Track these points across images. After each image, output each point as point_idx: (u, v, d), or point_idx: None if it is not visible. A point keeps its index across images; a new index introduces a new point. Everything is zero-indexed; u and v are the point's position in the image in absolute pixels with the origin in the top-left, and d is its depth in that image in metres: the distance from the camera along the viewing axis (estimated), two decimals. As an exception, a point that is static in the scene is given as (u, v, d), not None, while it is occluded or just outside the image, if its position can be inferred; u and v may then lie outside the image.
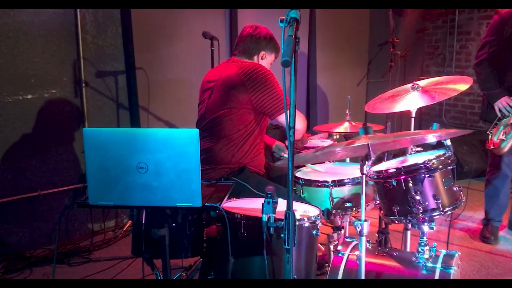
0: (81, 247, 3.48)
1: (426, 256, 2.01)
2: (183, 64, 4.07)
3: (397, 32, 5.28)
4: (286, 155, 2.74)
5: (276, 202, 1.69)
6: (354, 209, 2.42)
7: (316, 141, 3.29)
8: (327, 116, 5.30)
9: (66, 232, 3.62)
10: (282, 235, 1.57)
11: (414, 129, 2.61)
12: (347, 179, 2.41)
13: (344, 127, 3.07)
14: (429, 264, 1.98)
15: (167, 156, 1.72)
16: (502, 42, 3.17)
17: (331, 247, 2.48)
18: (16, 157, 3.34)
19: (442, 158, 2.09)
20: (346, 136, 3.16)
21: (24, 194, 3.38)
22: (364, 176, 1.92)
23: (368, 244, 2.09)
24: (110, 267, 3.13)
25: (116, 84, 3.75)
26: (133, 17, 3.69)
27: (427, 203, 2.04)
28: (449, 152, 2.15)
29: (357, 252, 1.97)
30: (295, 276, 1.90)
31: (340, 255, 2.11)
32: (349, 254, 2.10)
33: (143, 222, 1.98)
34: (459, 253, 2.08)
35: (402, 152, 2.51)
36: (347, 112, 3.11)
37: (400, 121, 4.89)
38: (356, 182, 2.41)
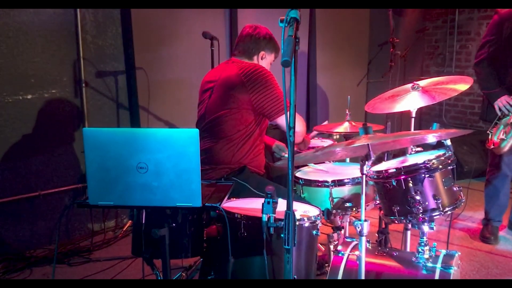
0: (81, 247, 3.48)
1: (426, 256, 2.01)
2: (183, 64, 4.07)
3: (397, 32, 5.28)
4: (286, 155, 2.74)
5: (276, 202, 1.69)
6: (354, 209, 2.42)
7: (316, 141, 3.29)
8: (327, 116, 5.30)
9: (66, 232, 3.62)
10: (282, 235, 1.57)
11: (414, 129, 2.61)
12: (347, 179, 2.41)
13: (344, 127, 3.06)
14: (429, 264, 1.98)
15: (167, 156, 1.72)
16: (501, 41, 3.18)
17: (331, 247, 2.48)
18: (16, 157, 3.34)
19: (442, 158, 2.09)
20: (346, 136, 3.16)
21: (24, 194, 3.38)
22: (364, 176, 1.92)
23: (368, 244, 2.09)
24: (110, 267, 3.13)
25: (116, 84, 3.75)
26: (133, 17, 3.69)
27: (427, 203, 2.04)
28: (449, 152, 2.15)
29: (357, 252, 1.97)
30: (295, 276, 1.90)
31: (340, 255, 2.11)
32: (349, 254, 2.10)
33: (143, 222, 1.98)
34: (459, 253, 2.08)
35: (402, 152, 2.51)
36: (347, 112, 3.11)
37: (400, 121, 4.89)
38: (356, 182, 2.41)
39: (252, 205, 2.10)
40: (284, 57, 1.38)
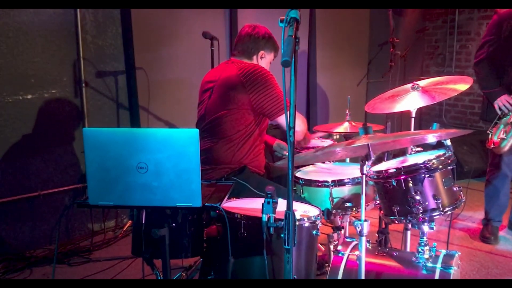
0: (81, 247, 3.48)
1: (426, 256, 2.01)
2: (183, 64, 4.07)
3: (397, 32, 5.28)
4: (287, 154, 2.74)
5: (276, 202, 1.69)
6: (354, 209, 2.42)
7: (316, 141, 3.29)
8: (327, 116, 5.30)
9: (66, 232, 3.62)
10: (282, 235, 1.57)
11: (414, 129, 2.61)
12: (347, 179, 2.42)
13: (344, 127, 3.06)
14: (429, 264, 1.98)
15: (167, 156, 1.72)
16: (500, 41, 3.19)
17: (331, 247, 2.48)
18: (16, 157, 3.34)
19: (442, 158, 2.09)
20: (346, 136, 3.16)
21: (24, 194, 3.38)
22: (364, 176, 1.92)
23: (368, 244, 2.09)
24: (110, 267, 3.13)
25: (116, 84, 3.75)
26: (133, 17, 3.69)
27: (427, 203, 2.04)
28: (449, 152, 2.15)
29: (357, 252, 1.97)
30: (295, 276, 1.90)
31: (340, 255, 2.11)
32: (349, 254, 2.10)
33: (143, 222, 1.98)
34: (459, 253, 2.08)
35: (402, 152, 2.51)
36: (347, 112, 3.11)
37: (400, 121, 4.89)
38: (356, 182, 2.41)
39: (252, 205, 2.10)
40: (284, 57, 1.38)
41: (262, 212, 1.69)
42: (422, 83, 2.52)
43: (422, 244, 2.02)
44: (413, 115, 2.55)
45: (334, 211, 2.40)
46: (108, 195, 1.78)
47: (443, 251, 2.05)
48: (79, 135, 3.59)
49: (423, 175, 2.04)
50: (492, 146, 3.17)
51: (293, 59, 1.43)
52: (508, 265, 3.10)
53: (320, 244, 2.81)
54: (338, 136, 3.32)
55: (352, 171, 2.59)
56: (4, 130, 3.27)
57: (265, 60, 2.67)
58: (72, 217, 3.64)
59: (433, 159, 2.06)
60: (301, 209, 2.10)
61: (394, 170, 2.08)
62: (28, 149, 3.39)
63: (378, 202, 2.37)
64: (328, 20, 5.06)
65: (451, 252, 2.06)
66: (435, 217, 2.05)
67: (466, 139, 5.02)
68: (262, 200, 1.70)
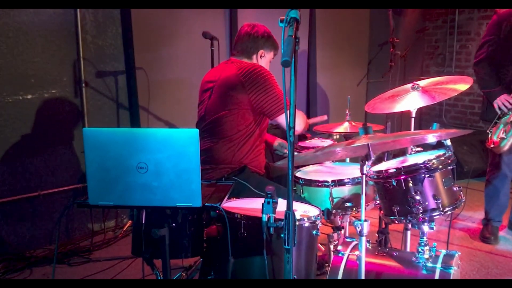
0: (81, 247, 3.48)
1: (426, 256, 2.01)
2: (183, 64, 4.07)
3: (397, 32, 5.28)
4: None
5: (276, 202, 1.69)
6: (354, 209, 2.42)
7: (316, 141, 3.29)
8: (327, 116, 5.29)
9: (66, 232, 3.62)
10: (282, 235, 1.57)
11: (414, 129, 2.61)
12: (347, 179, 2.42)
13: (344, 127, 3.06)
14: (429, 264, 1.98)
15: (167, 156, 1.72)
16: (500, 41, 3.20)
17: (331, 247, 2.48)
18: (16, 157, 3.34)
19: (442, 158, 2.09)
20: (346, 136, 3.16)
21: (24, 194, 3.38)
22: (364, 176, 1.92)
23: (368, 244, 2.09)
24: (110, 267, 3.13)
25: (116, 84, 3.75)
26: (133, 17, 3.69)
27: (427, 203, 2.04)
28: (449, 152, 2.15)
29: (357, 252, 1.97)
30: (295, 276, 1.90)
31: (340, 255, 2.11)
32: (349, 254, 2.10)
33: (143, 222, 1.98)
34: (459, 253, 2.08)
35: (402, 152, 2.51)
36: (347, 112, 3.11)
37: (400, 121, 4.89)
38: (356, 182, 2.41)
39: (252, 205, 2.10)
40: (284, 57, 1.38)
41: (262, 212, 1.69)
42: (422, 83, 2.52)
43: (422, 244, 2.02)
44: (413, 115, 2.55)
45: (334, 211, 2.40)
46: (108, 195, 1.78)
47: (443, 251, 2.05)
48: (79, 135, 3.59)
49: (423, 175, 2.04)
50: (492, 145, 3.17)
51: (293, 59, 1.43)
52: (508, 265, 3.10)
53: (320, 244, 2.81)
54: (338, 136, 3.32)
55: (352, 171, 2.59)
56: (4, 130, 3.27)
57: (264, 59, 2.67)
58: (72, 217, 3.64)
59: (433, 159, 2.06)
60: (301, 209, 2.10)
61: (394, 170, 2.08)
62: (28, 149, 3.39)
63: (378, 202, 2.37)
64: (328, 20, 5.06)
65: (451, 252, 2.06)
66: (435, 217, 2.05)
67: (466, 139, 5.02)
68: (262, 200, 1.70)
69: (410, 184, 2.05)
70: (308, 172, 2.67)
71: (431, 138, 2.15)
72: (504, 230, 3.62)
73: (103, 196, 1.79)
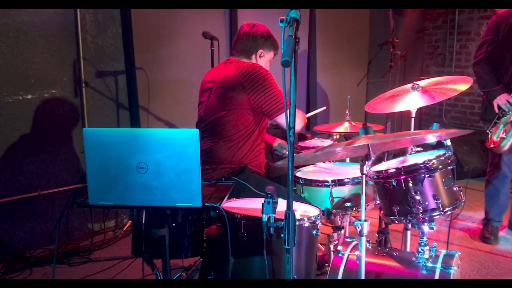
0: (81, 247, 3.48)
1: (426, 256, 2.01)
2: (183, 64, 4.07)
3: (397, 32, 5.28)
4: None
5: (276, 202, 1.69)
6: (354, 209, 2.42)
7: (316, 141, 3.29)
8: (327, 116, 5.30)
9: (66, 232, 3.62)
10: (282, 235, 1.57)
11: (414, 129, 2.61)
12: (347, 178, 2.42)
13: (344, 127, 3.07)
14: (429, 264, 1.98)
15: (167, 156, 1.72)
16: (499, 41, 3.20)
17: (331, 247, 2.48)
18: (16, 157, 3.34)
19: (442, 158, 2.09)
20: (346, 136, 3.16)
21: (24, 194, 3.38)
22: (364, 176, 1.92)
23: (368, 244, 2.09)
24: (110, 267, 3.13)
25: (116, 84, 3.75)
26: (133, 17, 3.69)
27: (427, 203, 2.04)
28: (449, 152, 2.15)
29: (357, 252, 1.97)
30: (295, 276, 1.90)
31: (340, 255, 2.11)
32: (349, 254, 2.10)
33: (143, 222, 1.98)
34: (459, 253, 2.08)
35: (402, 152, 2.51)
36: (347, 112, 3.11)
37: (400, 121, 4.89)
38: (356, 182, 2.41)
39: (252, 205, 2.10)
40: (284, 57, 1.38)
41: (262, 212, 1.69)
42: (422, 83, 2.52)
43: (422, 244, 2.02)
44: (413, 115, 2.55)
45: (334, 211, 2.40)
46: (108, 195, 1.78)
47: (443, 251, 2.05)
48: (79, 135, 3.59)
49: (423, 175, 2.04)
50: (492, 145, 3.17)
51: (293, 59, 1.43)
52: (508, 265, 3.10)
53: (320, 244, 2.81)
54: (338, 136, 3.32)
55: (352, 171, 2.59)
56: (4, 130, 3.27)
57: (264, 59, 2.66)
58: (72, 217, 3.64)
59: (433, 159, 2.06)
60: (301, 209, 2.10)
61: (394, 170, 2.08)
62: (28, 149, 3.39)
63: (378, 202, 2.37)
64: (328, 20, 5.06)
65: (451, 252, 2.06)
66: (435, 217, 2.05)
67: (466, 139, 5.02)
68: (262, 200, 1.70)
69: (410, 184, 2.05)
70: (308, 172, 2.67)
71: (431, 138, 2.15)
72: (504, 230, 3.62)
73: (103, 196, 1.79)
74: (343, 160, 2.89)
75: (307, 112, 5.02)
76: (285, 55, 1.39)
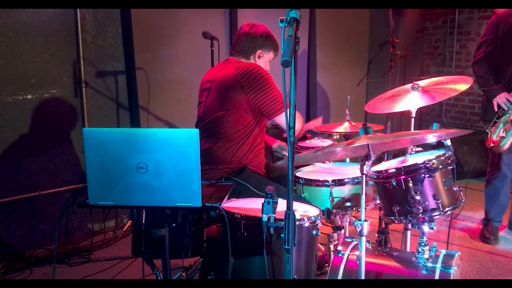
0: (81, 247, 3.48)
1: (426, 256, 2.01)
2: (183, 64, 4.07)
3: (397, 32, 5.28)
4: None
5: (276, 202, 1.69)
6: (354, 209, 2.42)
7: (316, 141, 3.29)
8: (327, 116, 5.30)
9: (66, 232, 3.62)
10: (282, 235, 1.57)
11: (414, 129, 2.61)
12: (347, 178, 2.42)
13: (344, 127, 3.07)
14: (429, 264, 1.98)
15: (167, 156, 1.72)
16: (498, 41, 3.21)
17: (331, 247, 2.48)
18: (16, 157, 3.34)
19: (442, 158, 2.09)
20: (346, 136, 3.16)
21: (24, 194, 3.38)
22: (364, 176, 1.92)
23: (368, 244, 2.09)
24: (110, 267, 3.13)
25: (116, 84, 3.75)
26: (133, 17, 3.69)
27: (427, 203, 2.04)
28: (449, 152, 2.15)
29: (357, 252, 1.97)
30: (295, 276, 1.90)
31: (340, 255, 2.11)
32: (349, 254, 2.10)
33: (143, 222, 1.98)
34: (459, 253, 2.08)
35: (402, 152, 2.51)
36: (347, 112, 3.11)
37: (400, 121, 4.89)
38: (356, 182, 2.41)
39: (252, 205, 2.10)
40: (284, 57, 1.38)
41: (262, 212, 1.69)
42: (422, 83, 2.52)
43: (422, 244, 2.02)
44: (413, 115, 2.55)
45: (334, 211, 2.40)
46: (108, 195, 1.78)
47: (443, 251, 2.05)
48: (79, 135, 3.59)
49: (423, 175, 2.04)
50: (492, 145, 3.17)
51: (293, 59, 1.43)
52: (508, 265, 3.10)
53: (320, 244, 2.81)
54: (338, 136, 3.32)
55: (352, 171, 2.59)
56: (4, 130, 3.27)
57: (263, 59, 2.65)
58: (72, 217, 3.64)
59: (433, 159, 2.06)
60: (301, 209, 2.10)
61: (394, 170, 2.08)
62: (28, 149, 3.39)
63: (378, 202, 2.36)
64: (328, 20, 5.06)
65: (451, 252, 2.06)
66: (435, 217, 2.05)
67: (466, 139, 5.02)
68: (262, 200, 1.70)
69: (410, 184, 2.05)
70: (308, 172, 2.67)
71: (431, 138, 2.15)
72: (504, 230, 3.62)
73: (103, 196, 1.79)
74: (343, 160, 2.89)
75: (307, 113, 5.03)
76: (285, 55, 1.39)
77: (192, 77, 4.00)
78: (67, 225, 3.62)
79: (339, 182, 2.41)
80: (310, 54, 4.95)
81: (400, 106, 2.45)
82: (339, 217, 2.48)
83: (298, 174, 2.61)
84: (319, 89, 5.14)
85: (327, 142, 3.26)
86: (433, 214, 2.04)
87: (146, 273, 2.11)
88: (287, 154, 2.73)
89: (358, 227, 1.90)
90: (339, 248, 2.15)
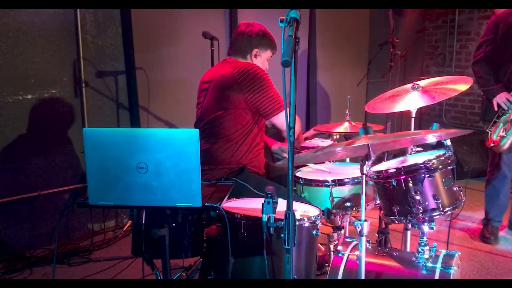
0: (81, 247, 3.48)
1: (426, 256, 2.01)
2: (183, 64, 4.07)
3: (397, 32, 5.28)
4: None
5: (276, 202, 1.69)
6: (354, 209, 2.42)
7: (316, 141, 3.29)
8: (327, 116, 5.30)
9: (66, 232, 3.62)
10: (282, 235, 1.57)
11: (414, 129, 2.61)
12: (347, 178, 2.42)
13: (344, 127, 3.06)
14: (429, 264, 1.98)
15: (167, 156, 1.72)
16: (497, 41, 3.21)
17: (331, 247, 2.48)
18: (16, 157, 3.34)
19: (442, 158, 2.09)
20: (346, 136, 3.16)
21: (24, 194, 3.38)
22: (364, 176, 1.92)
23: (368, 244, 2.09)
24: (110, 267, 3.13)
25: (116, 84, 3.75)
26: (133, 17, 3.69)
27: (427, 203, 2.04)
28: (449, 152, 2.15)
29: (357, 252, 1.97)
30: (295, 276, 1.90)
31: (340, 255, 2.11)
32: (349, 254, 2.10)
33: (143, 222, 1.98)
34: (459, 253, 2.08)
35: (402, 152, 2.51)
36: (347, 112, 3.11)
37: (400, 121, 4.89)
38: (356, 182, 2.41)
39: (252, 205, 2.10)
40: (284, 57, 1.38)
41: (262, 212, 1.69)
42: (422, 83, 2.52)
43: (422, 244, 2.02)
44: (413, 115, 2.55)
45: (334, 211, 2.40)
46: (108, 195, 1.79)
47: (443, 251, 2.05)
48: (79, 135, 3.59)
49: (423, 175, 2.04)
50: (492, 144, 3.17)
51: (293, 59, 1.43)
52: (508, 265, 3.10)
53: (320, 244, 2.81)
54: (338, 136, 3.32)
55: (352, 171, 2.59)
56: (4, 130, 3.27)
57: (260, 58, 2.64)
58: (72, 217, 3.64)
59: (433, 159, 2.06)
60: (301, 209, 2.10)
61: (394, 170, 2.08)
62: (28, 149, 3.39)
63: (378, 202, 2.36)
64: (328, 20, 5.06)
65: (451, 252, 2.06)
66: (435, 217, 2.05)
67: (466, 139, 5.02)
68: (262, 200, 1.70)
69: (410, 184, 2.05)
70: (308, 172, 2.67)
71: (431, 138, 2.15)
72: (504, 230, 3.62)
73: (103, 196, 1.79)
74: (343, 160, 2.89)
75: (307, 113, 5.04)
76: (285, 55, 1.39)
77: (192, 77, 4.00)
78: (67, 225, 3.62)
79: (339, 182, 2.41)
80: (310, 54, 4.95)
81: (400, 106, 2.45)
82: (339, 217, 2.48)
83: (298, 174, 2.61)
84: (319, 89, 5.14)
85: (327, 142, 3.26)
86: (433, 214, 2.04)
87: (146, 273, 2.11)
88: (286, 155, 2.74)
89: (358, 227, 1.90)
90: (339, 248, 2.15)
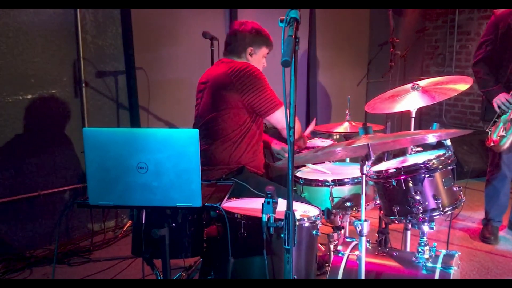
0: (81, 247, 3.48)
1: (426, 256, 2.01)
2: (183, 64, 4.07)
3: (397, 32, 5.28)
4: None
5: (276, 202, 1.69)
6: (354, 208, 2.42)
7: (316, 141, 3.29)
8: (327, 116, 5.30)
9: (66, 232, 3.62)
10: (282, 235, 1.57)
11: (414, 129, 2.61)
12: (347, 178, 2.42)
13: (344, 127, 3.07)
14: (429, 264, 1.98)
15: (167, 156, 1.72)
16: (497, 41, 3.21)
17: (331, 247, 2.48)
18: (16, 157, 3.34)
19: (442, 158, 2.09)
20: (346, 136, 3.16)
21: (24, 194, 3.38)
22: (364, 176, 1.92)
23: (368, 244, 2.09)
24: (110, 267, 3.13)
25: (116, 84, 3.75)
26: (133, 17, 3.69)
27: (427, 203, 2.04)
28: (449, 152, 2.15)
29: (357, 252, 1.97)
30: (295, 276, 1.90)
31: (340, 255, 2.11)
32: (349, 254, 2.10)
33: (143, 222, 1.98)
34: (459, 253, 2.08)
35: (402, 152, 2.51)
36: (347, 112, 3.11)
37: (400, 121, 4.89)
38: (356, 181, 2.41)
39: (252, 205, 2.10)
40: (284, 57, 1.38)
41: (262, 212, 1.69)
42: (422, 83, 2.52)
43: (422, 244, 2.02)
44: (413, 115, 2.55)
45: (334, 211, 2.40)
46: (108, 195, 1.78)
47: (443, 251, 2.05)
48: (79, 135, 3.59)
49: (423, 175, 2.04)
50: (492, 144, 3.17)
51: (293, 59, 1.43)
52: (508, 265, 3.10)
53: (320, 244, 2.81)
54: (338, 136, 3.32)
55: (352, 171, 2.59)
56: (4, 130, 3.27)
57: (256, 56, 2.61)
58: (72, 217, 3.64)
59: (433, 159, 2.06)
60: (301, 209, 2.10)
61: (394, 170, 2.09)
62: (28, 149, 3.39)
63: (378, 202, 2.37)
64: (328, 20, 5.06)
65: (451, 252, 2.06)
66: (435, 217, 2.05)
67: (466, 139, 5.03)
68: (262, 200, 1.70)
69: (410, 184, 2.05)
70: (308, 172, 2.67)
71: (431, 138, 2.15)
72: (504, 230, 3.62)
73: (103, 196, 1.79)
74: (343, 160, 2.89)
75: (307, 113, 5.03)
76: (285, 55, 1.39)
77: (192, 77, 3.99)
78: (67, 225, 3.62)
79: (339, 182, 2.41)
80: (310, 54, 4.95)
81: (400, 106, 2.46)
82: (339, 217, 2.48)
83: (297, 174, 2.61)
84: (319, 89, 5.14)
85: (327, 142, 3.26)
86: (433, 214, 2.04)
87: (146, 273, 2.11)
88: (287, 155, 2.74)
89: (358, 227, 1.90)
90: (339, 248, 2.15)
